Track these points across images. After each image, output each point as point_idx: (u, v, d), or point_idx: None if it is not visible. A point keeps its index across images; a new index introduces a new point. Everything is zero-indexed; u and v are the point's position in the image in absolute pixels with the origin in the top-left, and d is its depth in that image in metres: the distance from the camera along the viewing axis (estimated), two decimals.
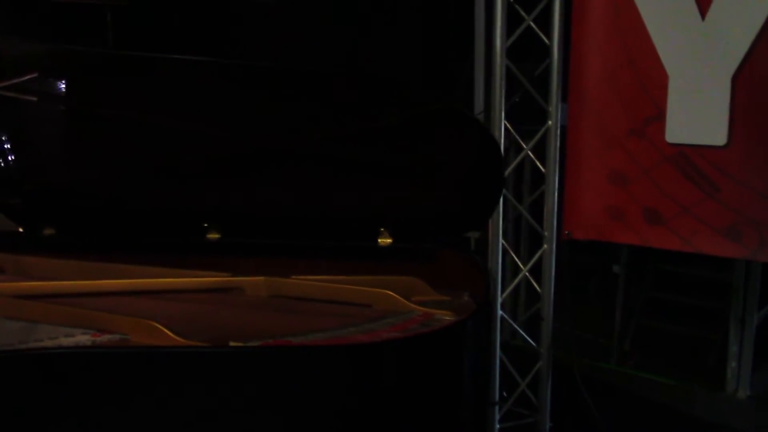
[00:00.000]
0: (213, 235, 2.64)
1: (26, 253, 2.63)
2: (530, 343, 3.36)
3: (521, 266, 3.34)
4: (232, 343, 1.97)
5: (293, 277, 2.47)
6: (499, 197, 2.62)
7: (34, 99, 2.45)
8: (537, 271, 3.32)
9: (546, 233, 3.21)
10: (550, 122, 3.13)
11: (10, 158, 2.59)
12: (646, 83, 2.87)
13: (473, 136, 2.30)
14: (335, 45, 5.07)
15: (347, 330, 2.11)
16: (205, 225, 2.63)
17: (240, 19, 5.68)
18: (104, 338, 2.06)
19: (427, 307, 2.27)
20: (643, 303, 4.77)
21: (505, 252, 3.31)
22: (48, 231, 2.66)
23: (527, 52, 3.23)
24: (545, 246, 3.22)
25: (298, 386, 1.87)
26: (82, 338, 2.06)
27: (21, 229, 2.73)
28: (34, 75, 2.40)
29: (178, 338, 1.98)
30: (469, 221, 2.62)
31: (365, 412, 1.91)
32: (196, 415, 1.84)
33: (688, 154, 2.81)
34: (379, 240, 2.56)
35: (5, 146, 2.58)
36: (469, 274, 2.43)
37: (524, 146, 3.23)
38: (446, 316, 2.20)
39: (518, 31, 3.11)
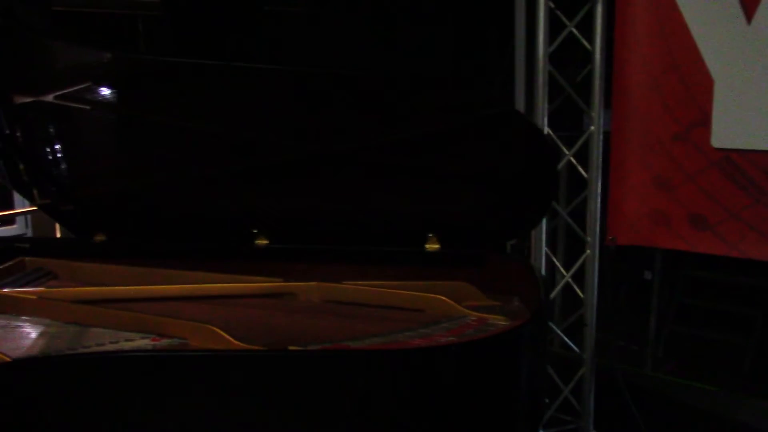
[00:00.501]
0: (261, 241, 2.65)
1: (79, 258, 2.66)
2: (569, 349, 3.35)
3: (564, 272, 3.33)
4: (291, 348, 1.98)
5: (344, 282, 2.48)
6: (550, 204, 2.60)
7: (88, 107, 2.47)
8: (574, 277, 3.31)
9: (589, 239, 3.20)
10: (592, 127, 3.12)
11: (63, 166, 2.62)
12: (690, 88, 2.85)
13: (527, 140, 2.29)
14: (369, 49, 5.10)
15: (403, 334, 2.13)
16: (255, 231, 2.64)
17: (272, 27, 5.73)
18: (164, 342, 2.09)
19: (479, 312, 2.28)
20: (676, 309, 4.75)
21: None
22: (99, 237, 2.69)
23: (567, 57, 3.23)
24: (588, 251, 3.21)
25: (357, 390, 1.87)
26: (142, 342, 2.09)
27: (73, 235, 2.76)
28: (88, 84, 2.42)
29: (238, 343, 1.99)
30: (516, 228, 2.61)
31: (423, 416, 1.91)
32: (257, 416, 1.86)
33: (734, 159, 2.79)
34: (427, 246, 2.56)
35: (59, 154, 2.61)
36: (517, 278, 2.42)
37: (566, 152, 3.23)
38: (500, 321, 2.21)
39: (560, 38, 3.12)
